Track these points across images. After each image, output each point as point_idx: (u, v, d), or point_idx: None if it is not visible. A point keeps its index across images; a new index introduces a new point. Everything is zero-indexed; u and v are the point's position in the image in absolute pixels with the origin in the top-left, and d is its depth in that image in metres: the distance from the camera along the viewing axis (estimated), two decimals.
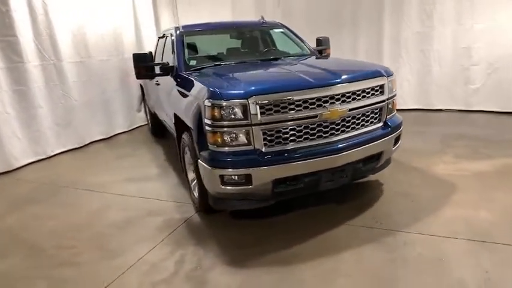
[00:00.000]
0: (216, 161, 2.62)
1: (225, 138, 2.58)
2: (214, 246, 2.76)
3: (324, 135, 2.72)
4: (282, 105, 2.57)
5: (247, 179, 2.59)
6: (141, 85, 6.52)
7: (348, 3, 6.51)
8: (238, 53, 4.11)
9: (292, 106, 2.59)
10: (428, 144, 4.60)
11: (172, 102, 3.52)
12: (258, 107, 2.51)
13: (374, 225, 2.83)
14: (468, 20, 5.71)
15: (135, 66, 3.76)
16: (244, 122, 2.53)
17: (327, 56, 4.29)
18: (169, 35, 4.29)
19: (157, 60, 5.00)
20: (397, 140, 3.15)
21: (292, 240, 2.71)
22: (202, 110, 2.64)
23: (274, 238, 2.80)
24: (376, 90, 2.94)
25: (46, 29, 5.40)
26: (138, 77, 3.87)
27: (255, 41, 4.31)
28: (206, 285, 2.32)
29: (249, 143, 2.58)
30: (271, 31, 4.39)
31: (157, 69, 3.77)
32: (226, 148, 2.61)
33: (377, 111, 3.00)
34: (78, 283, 2.48)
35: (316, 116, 2.64)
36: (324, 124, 2.69)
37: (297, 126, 2.64)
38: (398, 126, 3.13)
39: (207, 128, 2.63)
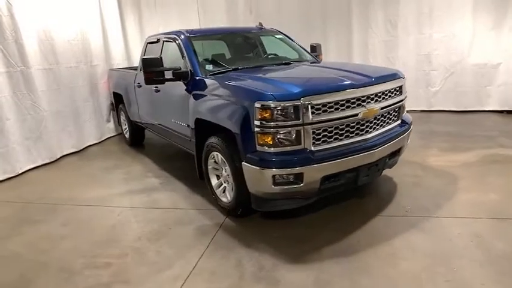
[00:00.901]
0: (267, 161, 2.68)
1: (276, 138, 2.66)
2: (265, 246, 2.79)
3: (361, 133, 2.94)
4: (329, 105, 2.73)
5: (299, 178, 2.69)
6: (114, 93, 6.20)
7: (318, 12, 6.94)
8: (248, 58, 4.19)
9: (337, 106, 2.76)
10: (411, 141, 5.08)
11: (192, 108, 3.46)
12: (309, 107, 2.64)
13: (405, 214, 3.11)
14: (428, 30, 6.47)
15: (145, 72, 3.64)
16: (296, 122, 2.64)
17: (333, 62, 4.58)
18: (170, 40, 4.21)
19: None
20: (408, 135, 3.50)
21: (340, 233, 2.87)
22: (252, 112, 2.68)
23: (319, 234, 2.92)
24: (397, 91, 3.25)
25: (12, 32, 4.92)
26: (147, 83, 3.72)
27: (259, 46, 4.42)
28: (279, 285, 2.36)
29: (299, 143, 2.69)
30: (271, 37, 4.53)
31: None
32: (277, 148, 2.68)
33: (397, 109, 3.32)
34: None
35: (357, 115, 2.85)
36: (361, 122, 2.91)
37: (340, 125, 2.82)
38: (411, 123, 3.48)
39: (257, 129, 2.68)
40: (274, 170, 2.67)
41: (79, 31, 6.04)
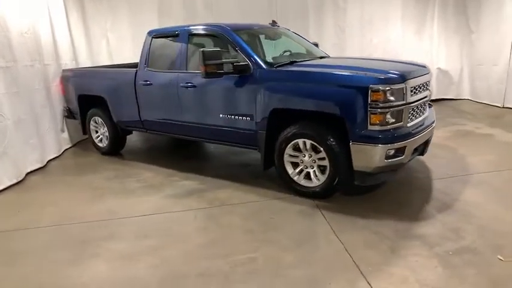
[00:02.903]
0: (382, 138, 3.08)
1: (387, 118, 3.09)
2: (377, 214, 3.18)
3: (422, 113, 3.61)
4: (417, 87, 3.31)
5: (403, 151, 3.19)
6: (83, 96, 5.45)
7: (278, 15, 7.50)
8: (287, 52, 4.41)
9: (420, 88, 3.37)
10: None
11: (267, 99, 3.54)
12: (409, 89, 3.17)
13: (447, 176, 3.92)
14: (369, 35, 7.76)
15: (205, 65, 3.56)
16: (401, 102, 3.13)
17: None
18: (204, 34, 4.16)
19: (153, 61, 4.61)
20: None
21: (421, 196, 3.49)
22: (365, 95, 3.04)
23: (409, 198, 3.50)
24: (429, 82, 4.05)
25: None
26: (207, 76, 3.62)
27: (287, 42, 4.67)
28: (425, 237, 2.80)
29: (401, 120, 3.17)
30: (290, 34, 4.86)
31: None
32: (385, 127, 3.11)
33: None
34: None
35: (426, 96, 3.52)
36: (422, 105, 3.58)
37: (418, 105, 3.43)
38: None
39: (370, 110, 3.06)
40: (388, 145, 3.10)
41: (31, 23, 5.14)
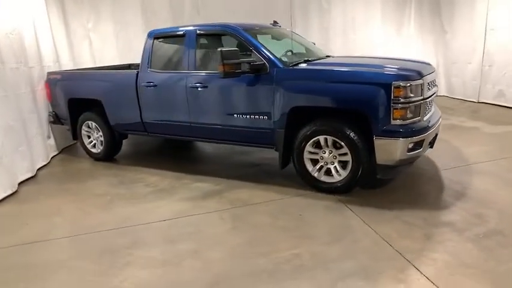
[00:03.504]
0: (404, 132, 3.25)
1: (407, 113, 3.26)
2: (400, 205, 3.34)
3: (430, 109, 3.83)
4: (431, 84, 3.52)
5: (421, 144, 3.37)
6: (74, 100, 5.21)
7: (265, 17, 7.57)
8: (296, 52, 4.48)
9: (432, 85, 3.58)
10: None
11: (286, 98, 3.59)
12: (426, 85, 3.36)
13: (451, 167, 4.18)
14: (352, 35, 8.06)
15: (224, 64, 3.56)
16: (420, 98, 3.31)
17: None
18: (214, 33, 4.17)
19: (157, 62, 4.52)
20: None
21: (436, 185, 3.71)
22: (388, 91, 3.18)
23: (428, 189, 3.69)
24: None
25: None
26: (224, 76, 3.61)
27: (292, 42, 4.73)
28: (455, 224, 2.99)
29: (419, 115, 3.35)
30: (293, 34, 4.93)
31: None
32: (406, 121, 3.28)
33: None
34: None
35: (435, 92, 3.74)
36: (431, 100, 3.80)
37: (429, 101, 3.64)
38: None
39: (393, 105, 3.20)
40: (409, 139, 3.26)
41: (16, 23, 4.84)
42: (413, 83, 3.24)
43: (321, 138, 3.57)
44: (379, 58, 4.58)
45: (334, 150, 3.58)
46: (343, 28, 8.01)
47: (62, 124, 5.74)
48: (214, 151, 5.58)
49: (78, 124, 5.36)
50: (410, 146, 3.31)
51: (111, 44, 6.95)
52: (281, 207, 3.52)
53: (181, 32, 4.34)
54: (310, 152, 3.68)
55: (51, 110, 5.66)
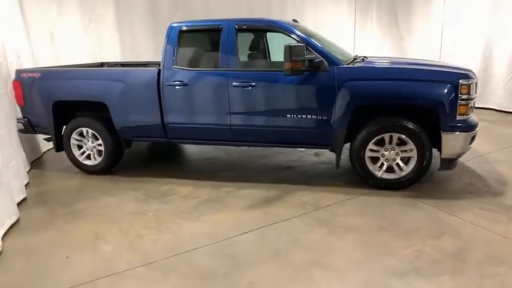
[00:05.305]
0: (467, 127, 3.56)
1: (468, 108, 3.58)
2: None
3: None
4: None
5: (474, 138, 3.73)
6: (63, 103, 4.41)
7: (244, 14, 7.46)
8: None
9: None
10: None
11: (350, 96, 3.60)
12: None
13: (470, 158, 4.67)
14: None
15: (292, 61, 3.43)
16: (474, 95, 3.65)
17: None
18: (257, 29, 3.97)
19: (184, 59, 4.14)
20: None
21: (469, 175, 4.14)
22: (457, 88, 3.45)
23: (461, 181, 4.07)
24: None
25: None
26: (291, 74, 3.47)
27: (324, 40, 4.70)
28: None
29: (471, 112, 3.71)
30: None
31: None
32: (465, 117, 3.60)
33: None
34: None
35: None
36: None
37: None
38: None
39: (460, 102, 3.49)
40: (471, 132, 3.59)
41: None
42: (473, 81, 3.57)
43: (386, 135, 3.68)
44: (422, 60, 4.83)
45: (396, 147, 3.72)
46: (314, 27, 8.30)
47: (35, 133, 4.83)
48: (227, 156, 5.26)
49: (66, 132, 4.54)
50: (471, 140, 3.64)
51: (78, 39, 6.02)
52: (357, 207, 3.52)
53: (217, 26, 4.01)
54: (372, 150, 3.76)
55: (21, 116, 4.68)
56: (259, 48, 4.88)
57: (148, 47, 6.62)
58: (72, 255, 2.90)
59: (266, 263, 2.70)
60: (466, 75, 3.55)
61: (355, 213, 3.39)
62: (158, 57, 6.76)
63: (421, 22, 8.59)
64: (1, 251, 2.95)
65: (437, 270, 2.54)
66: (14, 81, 4.53)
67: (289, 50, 3.41)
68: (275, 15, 7.78)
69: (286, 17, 7.76)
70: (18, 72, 4.55)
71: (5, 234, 3.18)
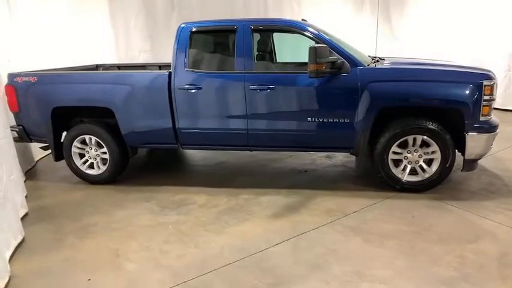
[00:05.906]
0: (491, 127, 3.56)
1: (490, 109, 3.58)
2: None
3: None
4: None
5: (494, 139, 3.73)
6: (61, 109, 4.12)
7: (241, 13, 7.30)
8: None
9: None
10: None
11: (373, 98, 3.52)
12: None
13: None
14: None
15: (318, 63, 3.33)
16: (495, 96, 3.65)
17: None
18: (261, 28, 3.92)
19: (197, 61, 3.95)
20: None
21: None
22: (480, 89, 3.44)
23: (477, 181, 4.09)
24: None
25: None
26: (316, 76, 3.36)
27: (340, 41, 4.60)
28: None
29: (491, 113, 3.71)
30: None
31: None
32: (487, 117, 3.59)
33: None
34: None
35: None
36: None
37: None
38: None
39: (484, 103, 3.47)
40: (494, 133, 3.59)
41: None
42: (495, 82, 3.57)
43: (410, 138, 3.63)
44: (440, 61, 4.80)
45: (419, 149, 3.68)
46: None
47: (31, 141, 4.51)
48: (237, 161, 5.08)
49: (66, 140, 4.25)
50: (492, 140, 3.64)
51: (70, 40, 5.67)
52: (384, 212, 3.45)
53: (232, 27, 3.84)
54: (395, 153, 3.71)
55: (17, 124, 4.36)
56: (270, 49, 4.74)
57: (144, 48, 6.35)
58: (94, 278, 2.68)
59: (309, 277, 2.58)
60: (489, 76, 3.54)
61: (385, 219, 3.32)
62: (154, 59, 6.63)
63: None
64: (10, 276, 2.69)
65: (486, 277, 2.50)
66: (7, 86, 4.20)
67: (314, 52, 3.30)
68: (272, 15, 7.68)
69: (284, 17, 7.68)
70: (12, 76, 4.22)
71: (11, 256, 2.91)
